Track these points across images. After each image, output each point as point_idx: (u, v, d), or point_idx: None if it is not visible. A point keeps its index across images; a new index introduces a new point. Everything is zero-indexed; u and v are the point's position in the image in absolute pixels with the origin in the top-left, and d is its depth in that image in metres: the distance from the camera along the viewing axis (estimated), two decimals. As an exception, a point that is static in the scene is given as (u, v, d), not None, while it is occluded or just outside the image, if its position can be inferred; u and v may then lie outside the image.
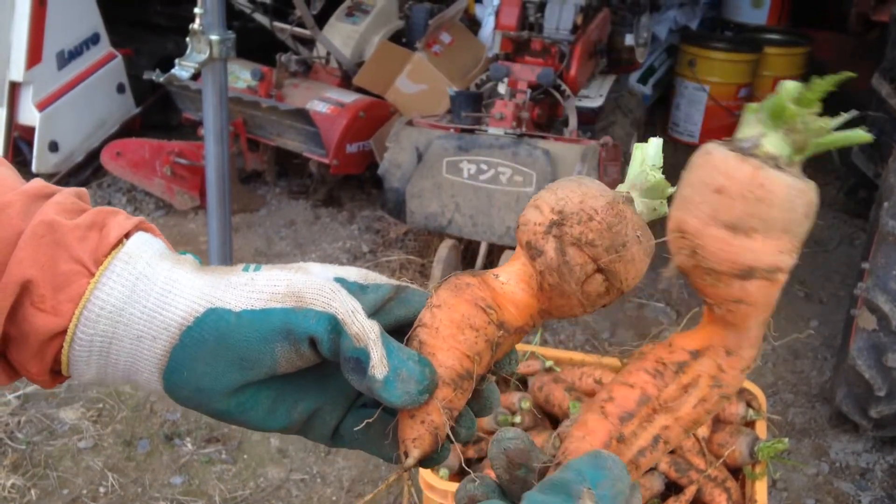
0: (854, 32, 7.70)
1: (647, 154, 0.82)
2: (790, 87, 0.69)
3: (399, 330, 0.76)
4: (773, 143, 0.69)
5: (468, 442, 0.78)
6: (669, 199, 0.81)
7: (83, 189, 0.78)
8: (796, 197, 0.66)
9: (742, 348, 0.74)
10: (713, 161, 0.68)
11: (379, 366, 0.69)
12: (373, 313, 0.73)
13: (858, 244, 5.13)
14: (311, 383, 0.77)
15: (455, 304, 0.75)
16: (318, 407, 0.78)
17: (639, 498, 0.69)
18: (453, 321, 0.74)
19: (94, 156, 5.31)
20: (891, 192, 3.32)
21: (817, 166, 6.51)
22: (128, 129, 5.65)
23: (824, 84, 0.68)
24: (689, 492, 2.32)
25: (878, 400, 3.23)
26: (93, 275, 0.70)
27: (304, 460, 3.34)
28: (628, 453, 0.73)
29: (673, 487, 2.38)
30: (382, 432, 0.77)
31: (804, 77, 5.98)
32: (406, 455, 0.73)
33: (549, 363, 2.76)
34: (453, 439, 0.75)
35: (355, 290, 0.73)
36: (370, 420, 0.75)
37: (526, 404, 2.58)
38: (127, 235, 0.74)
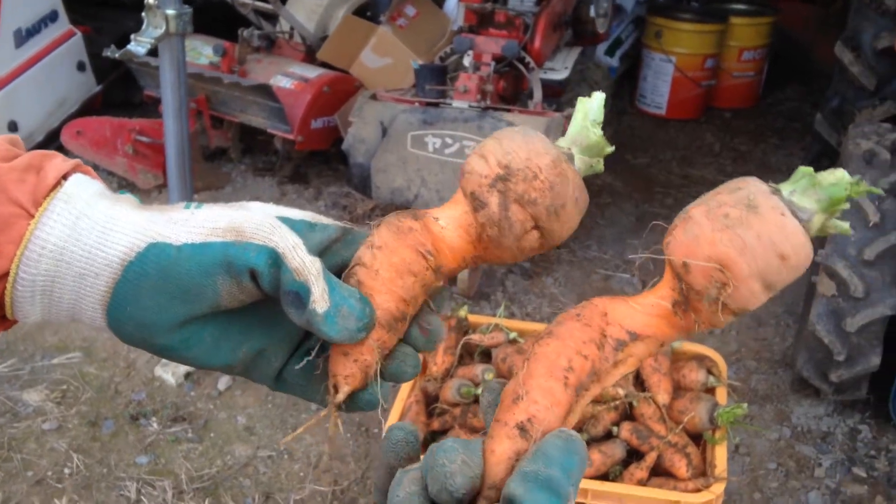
0: (819, 2, 7.75)
1: (590, 109, 0.82)
2: (849, 181, 0.75)
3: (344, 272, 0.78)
4: (817, 223, 0.75)
5: (413, 377, 0.79)
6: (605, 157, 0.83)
7: (16, 135, 0.78)
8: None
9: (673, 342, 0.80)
10: (787, 227, 0.72)
11: (320, 300, 0.70)
12: (319, 253, 0.74)
13: (822, 212, 5.17)
14: (257, 324, 0.78)
15: (397, 247, 0.76)
16: (263, 347, 0.78)
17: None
18: (393, 265, 0.75)
19: (54, 135, 5.23)
20: (850, 159, 3.35)
21: (783, 135, 6.56)
22: (89, 108, 5.57)
23: (868, 188, 0.76)
24: (650, 458, 2.34)
25: (838, 364, 3.28)
26: (32, 216, 0.70)
27: (271, 437, 3.34)
28: (571, 421, 0.74)
29: (634, 454, 2.41)
30: (322, 379, 0.78)
31: (770, 47, 6.01)
32: (336, 390, 0.75)
33: (512, 335, 2.77)
34: (382, 379, 0.77)
35: (302, 228, 0.74)
36: (311, 358, 0.76)
37: (489, 376, 2.59)
38: (65, 177, 0.74)
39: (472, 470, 0.67)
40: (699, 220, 0.73)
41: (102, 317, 0.73)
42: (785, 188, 0.75)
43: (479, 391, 2.52)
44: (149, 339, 0.73)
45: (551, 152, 0.78)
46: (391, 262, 0.75)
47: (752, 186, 0.74)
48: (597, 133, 0.81)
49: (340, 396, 0.74)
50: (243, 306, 0.75)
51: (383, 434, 0.75)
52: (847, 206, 0.75)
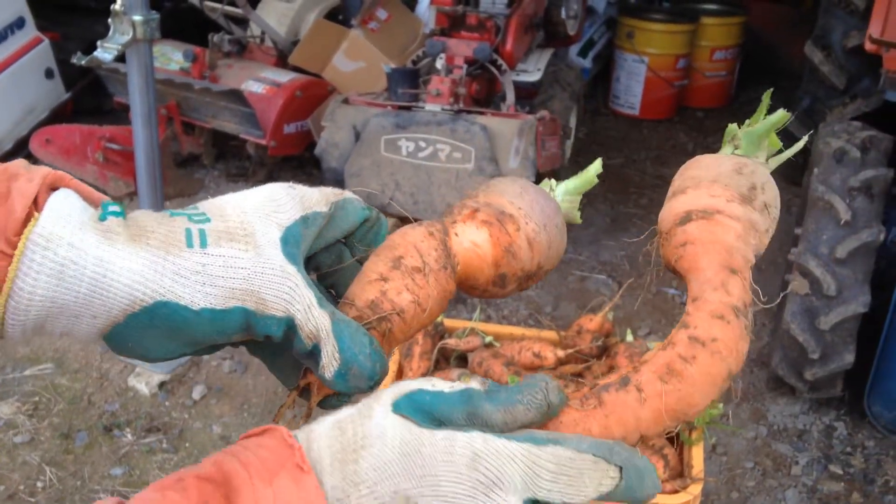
0: (789, 2, 7.81)
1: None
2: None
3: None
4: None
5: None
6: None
7: None
8: (719, 161, 0.82)
9: (704, 291, 0.74)
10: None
11: (329, 363, 0.70)
12: (312, 247, 0.76)
13: (794, 211, 5.21)
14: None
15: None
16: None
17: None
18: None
19: (23, 143, 5.16)
20: (821, 158, 3.37)
21: (755, 135, 6.60)
22: (58, 115, 5.50)
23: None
24: (627, 461, 2.33)
25: (813, 363, 3.30)
26: (9, 257, 0.63)
27: (247, 446, 3.30)
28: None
29: (611, 457, 2.40)
30: (292, 364, 0.79)
31: (741, 47, 6.06)
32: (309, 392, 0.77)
33: (488, 339, 2.76)
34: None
35: (299, 230, 0.72)
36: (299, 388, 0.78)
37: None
38: (35, 201, 0.65)
39: None
40: None
41: (97, 340, 0.70)
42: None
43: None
44: (144, 355, 0.71)
45: (554, 219, 0.90)
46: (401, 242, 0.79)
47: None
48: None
49: (314, 401, 0.76)
50: None
51: None
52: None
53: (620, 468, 0.63)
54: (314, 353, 0.70)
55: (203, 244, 0.68)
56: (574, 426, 0.69)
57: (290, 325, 0.70)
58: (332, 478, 0.60)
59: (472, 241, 0.79)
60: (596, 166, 0.91)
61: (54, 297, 0.64)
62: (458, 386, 0.66)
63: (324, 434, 0.62)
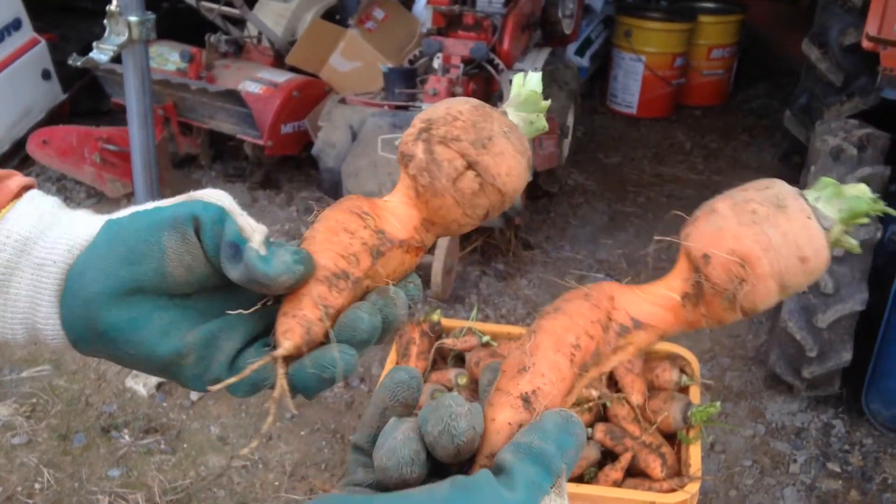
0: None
1: (528, 79, 0.85)
2: (871, 197, 0.77)
3: None
4: (836, 231, 0.75)
5: (370, 333, 0.73)
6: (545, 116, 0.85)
7: None
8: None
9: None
10: (811, 230, 0.72)
11: (259, 246, 0.70)
12: None
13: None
14: (210, 311, 0.75)
15: (331, 214, 0.77)
16: (215, 332, 0.75)
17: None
18: (328, 228, 0.75)
19: (20, 145, 5.16)
20: (817, 156, 3.37)
21: (753, 132, 6.60)
22: (55, 117, 5.49)
23: (884, 207, 0.77)
24: (625, 459, 2.34)
25: (810, 360, 3.30)
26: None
27: (245, 447, 3.31)
28: (569, 401, 0.74)
29: (609, 455, 2.40)
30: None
31: (738, 45, 6.05)
32: (276, 348, 0.73)
33: (486, 338, 2.76)
34: (338, 339, 0.73)
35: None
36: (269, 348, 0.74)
37: (463, 380, 2.57)
38: (26, 188, 0.76)
39: (476, 422, 0.65)
40: (725, 213, 0.73)
41: (56, 310, 0.72)
42: (810, 195, 0.75)
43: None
44: (95, 319, 0.70)
45: (472, 101, 0.80)
46: (326, 226, 0.76)
47: (781, 187, 0.74)
48: (528, 90, 0.83)
49: (280, 350, 0.71)
50: (196, 292, 0.74)
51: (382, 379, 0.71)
52: (867, 220, 0.76)
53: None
54: (239, 245, 0.70)
55: None
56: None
57: (218, 214, 0.71)
58: None
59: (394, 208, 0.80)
60: (533, 77, 0.85)
61: (28, 239, 0.71)
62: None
63: None
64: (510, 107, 0.83)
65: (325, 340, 0.73)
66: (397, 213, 0.79)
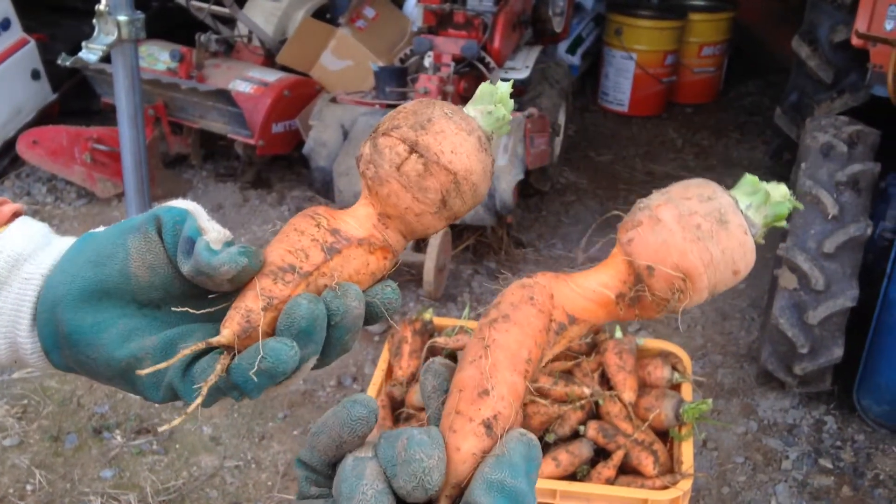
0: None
1: (495, 97, 0.84)
2: (790, 198, 0.80)
3: None
4: (759, 235, 0.80)
5: (307, 318, 0.71)
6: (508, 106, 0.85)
7: None
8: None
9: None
10: (746, 245, 0.75)
11: (213, 243, 0.71)
12: None
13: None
14: (173, 322, 0.75)
15: (290, 221, 0.79)
16: (173, 339, 0.74)
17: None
18: (281, 232, 0.77)
19: (10, 145, 5.14)
20: (808, 152, 3.38)
21: (744, 129, 6.62)
22: (45, 117, 5.47)
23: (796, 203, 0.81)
24: (617, 457, 2.34)
25: (802, 357, 3.31)
26: None
27: (237, 447, 3.30)
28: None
29: (601, 453, 2.41)
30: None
31: (729, 43, 6.06)
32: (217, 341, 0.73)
33: (477, 337, 2.75)
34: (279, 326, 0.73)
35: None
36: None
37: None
38: (16, 214, 0.78)
39: (442, 466, 0.65)
40: (671, 226, 0.74)
41: (32, 325, 0.73)
42: (741, 201, 0.78)
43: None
44: (62, 320, 0.71)
45: (419, 99, 0.83)
46: (280, 231, 0.78)
47: (721, 198, 0.76)
48: (484, 86, 0.84)
49: (218, 338, 0.71)
50: (161, 297, 0.74)
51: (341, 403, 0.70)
52: (785, 224, 0.80)
53: None
54: (194, 240, 0.71)
55: None
56: None
57: (181, 216, 0.73)
58: None
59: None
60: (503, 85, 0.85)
61: (20, 255, 0.74)
62: None
63: None
64: (470, 106, 0.84)
65: (271, 335, 0.72)
66: (355, 213, 0.79)
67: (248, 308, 0.72)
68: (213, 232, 0.72)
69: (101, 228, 0.76)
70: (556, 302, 0.78)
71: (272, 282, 0.73)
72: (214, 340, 0.70)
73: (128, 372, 0.73)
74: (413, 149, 0.77)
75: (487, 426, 0.69)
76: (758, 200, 0.78)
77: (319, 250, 0.75)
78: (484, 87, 0.83)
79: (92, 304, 0.71)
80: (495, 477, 0.64)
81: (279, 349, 0.68)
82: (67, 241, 0.77)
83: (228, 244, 0.72)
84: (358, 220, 0.79)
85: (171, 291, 0.74)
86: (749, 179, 0.79)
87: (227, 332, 0.71)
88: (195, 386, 0.70)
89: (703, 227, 0.74)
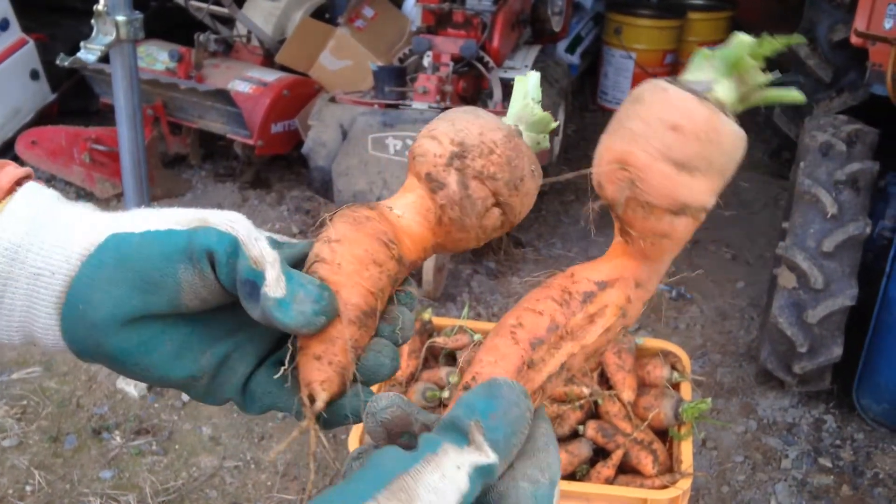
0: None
1: (530, 87, 0.82)
2: (747, 40, 0.71)
3: None
4: (724, 90, 0.70)
5: (392, 371, 0.72)
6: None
7: None
8: (738, 144, 0.70)
9: (651, 281, 0.75)
10: (670, 99, 0.68)
11: (273, 286, 0.65)
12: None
13: (782, 205, 5.23)
14: (221, 330, 0.73)
15: (356, 238, 0.71)
16: (228, 353, 0.73)
17: (547, 423, 0.66)
18: (356, 256, 0.70)
19: (9, 145, 5.14)
20: (806, 151, 3.38)
21: (743, 128, 6.61)
22: (44, 117, 5.47)
23: (776, 43, 0.71)
24: (616, 456, 2.34)
25: (801, 356, 3.31)
26: None
27: (237, 447, 3.30)
28: (538, 379, 0.72)
29: (600, 452, 2.40)
30: (295, 389, 0.71)
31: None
32: (312, 400, 0.68)
33: (477, 337, 2.75)
34: (359, 382, 0.71)
35: (269, 242, 0.70)
36: (285, 368, 0.70)
37: (455, 379, 2.57)
38: (18, 183, 0.70)
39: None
40: (602, 140, 0.72)
41: (57, 323, 0.67)
42: (685, 76, 0.73)
43: (446, 393, 2.50)
44: (103, 343, 0.67)
45: (503, 127, 0.77)
46: (353, 253, 0.70)
47: (644, 85, 0.71)
48: (540, 111, 0.81)
49: (319, 404, 0.67)
50: (206, 310, 0.70)
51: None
52: (755, 63, 0.71)
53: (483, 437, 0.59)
54: (256, 283, 0.65)
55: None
56: None
57: (233, 246, 0.66)
58: None
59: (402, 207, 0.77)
60: (527, 80, 0.83)
61: (20, 246, 0.66)
62: None
63: None
64: (521, 124, 0.81)
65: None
66: (412, 233, 0.76)
67: (343, 365, 0.68)
68: (266, 262, 0.66)
69: (131, 229, 0.68)
70: (577, 277, 0.76)
71: (358, 329, 0.69)
72: (318, 409, 0.68)
73: (183, 387, 0.72)
74: (499, 205, 0.75)
75: (466, 388, 0.69)
76: (697, 62, 0.72)
77: (391, 285, 0.73)
78: (543, 117, 0.81)
79: (136, 327, 0.68)
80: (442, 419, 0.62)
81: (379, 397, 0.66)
82: (75, 222, 0.69)
83: (285, 270, 0.67)
84: (414, 242, 0.76)
85: (219, 305, 0.72)
86: (699, 54, 0.73)
87: (326, 395, 0.68)
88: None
89: (620, 116, 0.71)
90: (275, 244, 0.71)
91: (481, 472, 0.57)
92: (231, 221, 0.68)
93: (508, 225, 0.77)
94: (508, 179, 0.74)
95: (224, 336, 0.73)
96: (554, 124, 0.82)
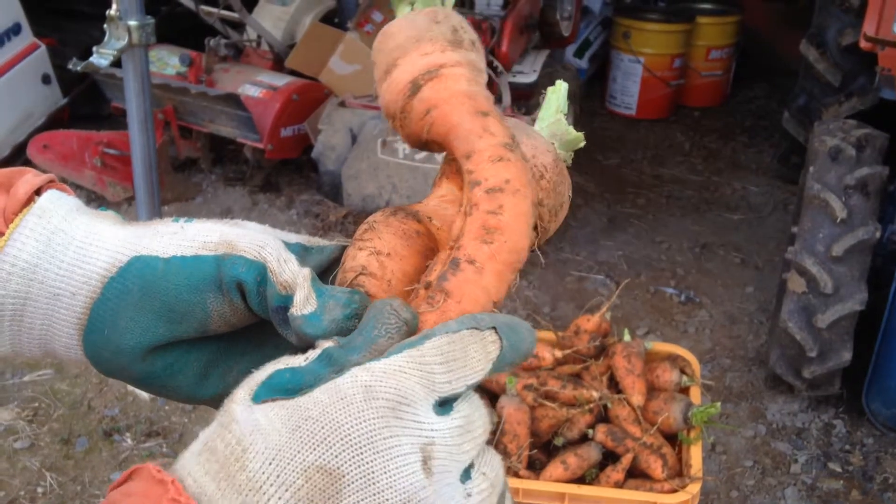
0: (784, 0, 7.82)
1: (562, 100, 0.83)
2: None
3: None
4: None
5: None
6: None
7: None
8: (411, 20, 0.74)
9: (472, 143, 0.69)
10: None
11: (303, 304, 0.62)
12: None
13: (791, 209, 5.22)
14: (249, 345, 0.71)
15: (408, 256, 0.68)
16: (254, 368, 0.71)
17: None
18: (407, 275, 0.67)
19: (20, 150, 5.16)
20: (816, 156, 3.38)
21: (752, 133, 6.61)
22: (56, 121, 5.50)
23: None
24: (626, 460, 2.34)
25: (810, 361, 3.30)
26: (2, 234, 0.65)
27: (246, 449, 3.31)
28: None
29: (610, 456, 2.41)
30: None
31: (737, 46, 6.06)
32: None
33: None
34: None
35: (297, 251, 0.68)
36: None
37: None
38: (38, 192, 0.69)
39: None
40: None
41: (79, 343, 0.66)
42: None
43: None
44: (128, 367, 0.66)
45: (551, 150, 0.77)
46: (404, 271, 0.67)
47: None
48: (573, 131, 0.82)
49: None
50: (232, 330, 0.69)
51: None
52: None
53: (495, 329, 0.60)
54: (287, 308, 0.63)
55: (188, 221, 0.70)
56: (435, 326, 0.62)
57: (262, 274, 0.64)
58: (227, 499, 0.52)
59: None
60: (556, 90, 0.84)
61: (37, 265, 0.65)
62: (313, 354, 0.58)
63: (194, 463, 0.54)
64: (556, 141, 0.81)
65: None
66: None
67: None
68: (296, 283, 0.64)
69: (155, 251, 0.66)
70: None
71: None
72: None
73: (211, 404, 0.70)
74: (536, 229, 0.75)
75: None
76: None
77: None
78: (576, 137, 0.82)
79: (161, 352, 0.67)
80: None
81: None
82: (94, 238, 0.67)
83: (315, 285, 0.64)
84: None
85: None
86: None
87: None
88: None
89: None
90: (303, 250, 0.70)
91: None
92: (260, 247, 0.66)
93: (535, 245, 0.76)
94: (552, 206, 0.74)
95: (251, 350, 0.72)
96: (582, 143, 0.81)
